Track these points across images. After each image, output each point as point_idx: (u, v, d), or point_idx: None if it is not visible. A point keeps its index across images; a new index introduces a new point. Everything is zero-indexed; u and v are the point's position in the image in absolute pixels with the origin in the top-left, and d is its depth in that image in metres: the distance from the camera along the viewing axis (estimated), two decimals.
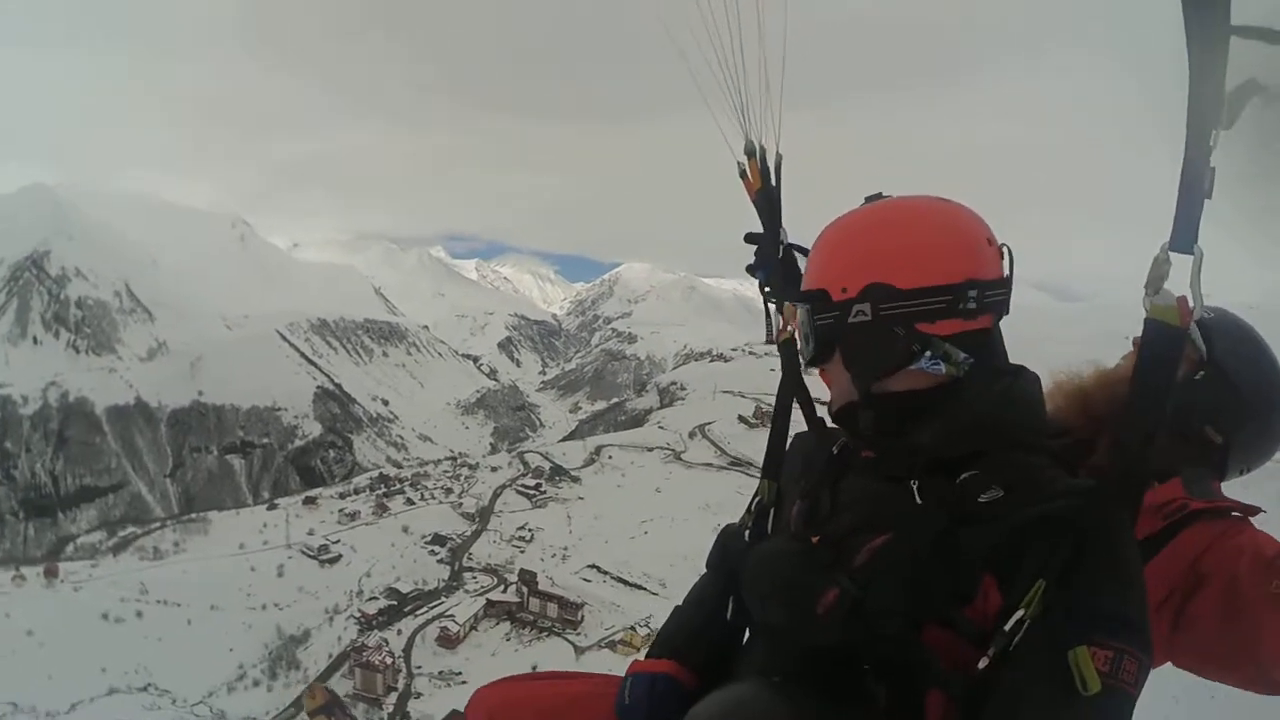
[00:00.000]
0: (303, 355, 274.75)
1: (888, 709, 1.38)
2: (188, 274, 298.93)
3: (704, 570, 2.07)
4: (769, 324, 2.10)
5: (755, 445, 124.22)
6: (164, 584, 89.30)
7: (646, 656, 1.93)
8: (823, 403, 1.92)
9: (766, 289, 2.09)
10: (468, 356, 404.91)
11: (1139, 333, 1.36)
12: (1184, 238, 1.33)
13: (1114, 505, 1.34)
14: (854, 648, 1.40)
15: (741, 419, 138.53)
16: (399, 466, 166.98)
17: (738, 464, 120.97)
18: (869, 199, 1.67)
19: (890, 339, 1.53)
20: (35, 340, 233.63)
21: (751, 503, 1.98)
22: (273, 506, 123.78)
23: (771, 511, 1.94)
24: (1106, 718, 1.20)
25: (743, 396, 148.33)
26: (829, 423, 1.82)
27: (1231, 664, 1.69)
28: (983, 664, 1.27)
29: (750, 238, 2.20)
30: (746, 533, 1.96)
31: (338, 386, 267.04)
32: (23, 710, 68.54)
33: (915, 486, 1.47)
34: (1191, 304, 1.35)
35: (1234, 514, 1.81)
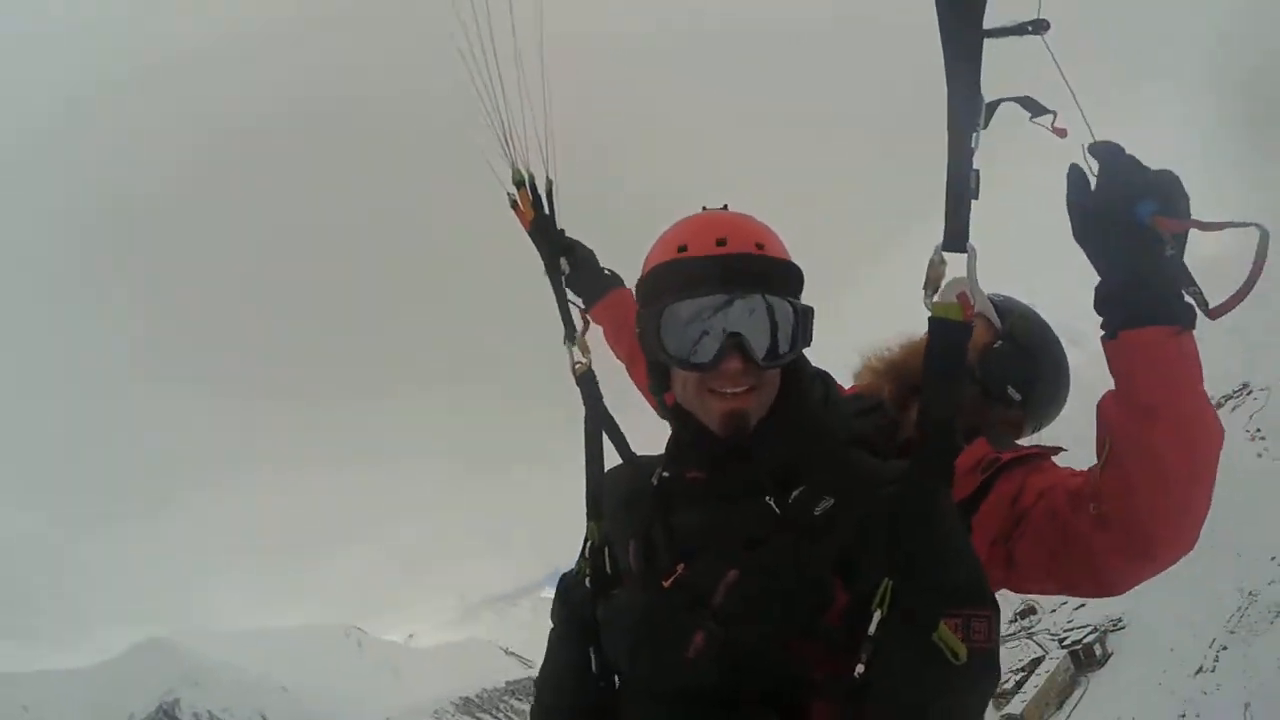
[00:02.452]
0: None
1: None
2: (319, 692, 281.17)
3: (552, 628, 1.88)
4: (570, 324, 2.13)
5: None
6: None
7: None
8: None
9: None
10: None
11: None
12: (956, 238, 1.34)
13: (929, 482, 1.37)
14: (732, 682, 1.38)
15: None
16: None
17: None
18: (716, 209, 1.64)
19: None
20: None
21: (584, 546, 1.85)
22: None
23: (606, 551, 1.79)
24: (981, 676, 1.29)
25: None
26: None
27: (1071, 583, 1.80)
28: (859, 671, 1.28)
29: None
30: (587, 579, 1.81)
31: None
32: None
33: (773, 501, 1.47)
34: (972, 299, 1.37)
35: (1036, 458, 1.95)
